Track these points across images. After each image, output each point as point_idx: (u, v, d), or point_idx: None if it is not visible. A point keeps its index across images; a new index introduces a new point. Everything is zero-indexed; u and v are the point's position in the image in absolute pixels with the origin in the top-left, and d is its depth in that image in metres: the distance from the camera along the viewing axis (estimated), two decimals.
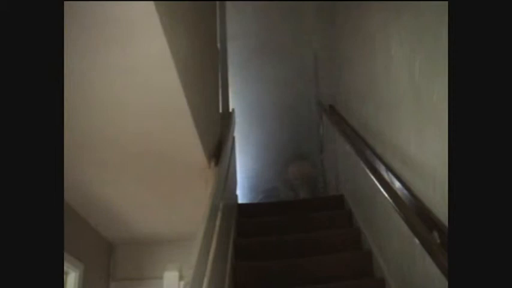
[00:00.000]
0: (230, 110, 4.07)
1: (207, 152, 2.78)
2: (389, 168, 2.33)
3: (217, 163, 2.90)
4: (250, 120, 4.03)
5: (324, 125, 4.58)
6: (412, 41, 2.03)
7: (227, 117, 3.89)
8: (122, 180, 2.88)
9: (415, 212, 1.93)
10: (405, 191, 2.07)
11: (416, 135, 2.02)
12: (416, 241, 1.87)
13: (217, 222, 2.43)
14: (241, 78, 4.57)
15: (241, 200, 4.44)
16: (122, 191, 3.03)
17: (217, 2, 4.09)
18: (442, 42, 1.67)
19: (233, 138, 4.08)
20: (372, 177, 2.52)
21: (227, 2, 4.57)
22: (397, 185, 2.18)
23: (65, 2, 0.48)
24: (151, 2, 1.54)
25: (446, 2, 0.84)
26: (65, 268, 2.96)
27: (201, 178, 2.86)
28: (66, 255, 2.89)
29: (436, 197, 1.78)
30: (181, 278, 1.87)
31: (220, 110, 3.88)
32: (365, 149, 2.79)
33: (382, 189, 2.34)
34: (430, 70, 1.83)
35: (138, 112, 2.17)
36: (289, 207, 3.94)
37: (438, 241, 1.66)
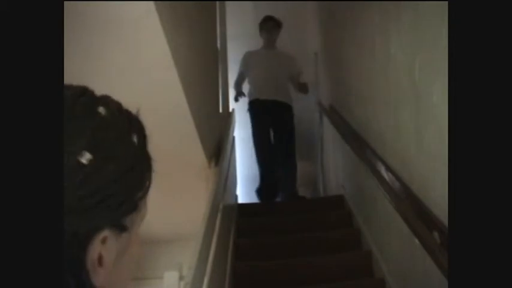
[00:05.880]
0: (230, 110, 4.07)
1: (207, 152, 2.78)
2: (389, 168, 2.33)
3: (217, 163, 2.90)
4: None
5: (324, 125, 4.58)
6: (412, 41, 2.03)
7: (227, 117, 3.89)
8: None
9: (415, 213, 1.93)
10: (405, 191, 2.07)
11: (416, 135, 2.02)
12: (417, 241, 1.87)
13: (217, 222, 2.43)
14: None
15: (241, 200, 4.44)
16: None
17: (217, 2, 4.09)
18: (442, 42, 1.67)
19: (233, 138, 4.08)
20: (372, 177, 2.52)
21: (227, 2, 4.56)
22: (397, 185, 2.18)
23: (65, 2, 0.47)
24: (151, 2, 1.54)
25: (446, 2, 0.84)
26: None
27: (201, 178, 2.86)
28: None
29: (436, 197, 1.78)
30: (181, 278, 1.87)
31: (220, 110, 3.88)
32: (365, 149, 2.79)
33: (382, 189, 2.35)
34: (430, 70, 1.83)
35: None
36: (289, 207, 3.94)
37: (438, 241, 1.66)
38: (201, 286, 1.82)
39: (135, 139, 0.49)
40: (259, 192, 4.04)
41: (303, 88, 4.41)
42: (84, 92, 0.47)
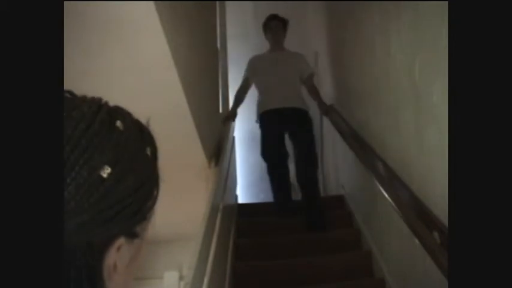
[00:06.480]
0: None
1: (207, 152, 2.78)
2: (389, 168, 2.33)
3: (217, 163, 2.90)
4: (251, 120, 4.03)
5: (324, 125, 4.58)
6: (412, 41, 2.03)
7: None
8: None
9: (415, 213, 1.93)
10: (405, 191, 2.07)
11: (416, 135, 2.02)
12: (417, 241, 1.87)
13: (217, 222, 2.43)
14: (242, 78, 4.55)
15: (241, 200, 4.44)
16: None
17: (217, 2, 4.09)
18: (442, 42, 1.67)
19: (233, 138, 4.07)
20: (372, 177, 2.52)
21: (227, 2, 4.56)
22: (397, 185, 2.18)
23: (65, 2, 0.47)
24: (151, 2, 1.54)
25: (446, 2, 0.84)
26: None
27: (201, 178, 2.86)
28: None
29: (436, 197, 1.78)
30: (181, 278, 1.87)
31: (221, 110, 3.88)
32: (365, 149, 2.79)
33: (382, 189, 2.35)
34: (430, 70, 1.83)
35: (138, 112, 2.17)
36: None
37: (438, 241, 1.66)
38: (201, 286, 1.81)
39: (148, 152, 0.52)
40: (277, 208, 3.63)
41: (325, 106, 3.91)
42: (101, 106, 0.49)
